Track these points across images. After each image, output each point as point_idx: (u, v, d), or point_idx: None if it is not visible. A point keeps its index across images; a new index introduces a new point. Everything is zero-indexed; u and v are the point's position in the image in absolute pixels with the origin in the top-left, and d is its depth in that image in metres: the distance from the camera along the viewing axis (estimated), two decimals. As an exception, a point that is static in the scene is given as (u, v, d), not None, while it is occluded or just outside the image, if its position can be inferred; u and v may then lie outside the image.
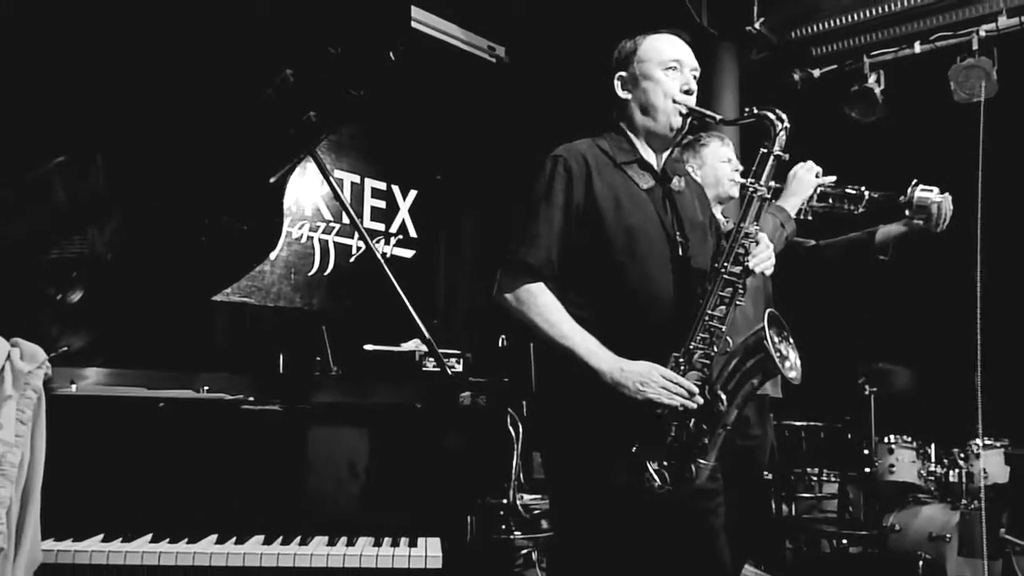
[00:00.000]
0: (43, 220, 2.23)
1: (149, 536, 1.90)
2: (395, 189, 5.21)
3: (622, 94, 1.96)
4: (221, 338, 4.27)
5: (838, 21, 4.99)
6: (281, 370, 3.61)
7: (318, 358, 3.37)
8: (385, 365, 3.58)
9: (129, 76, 3.53)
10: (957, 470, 3.93)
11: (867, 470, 4.17)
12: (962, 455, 3.95)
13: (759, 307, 2.62)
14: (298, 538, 1.93)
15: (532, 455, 3.70)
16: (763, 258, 1.84)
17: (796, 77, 5.12)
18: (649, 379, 1.72)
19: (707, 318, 1.78)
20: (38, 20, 3.36)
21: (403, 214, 5.23)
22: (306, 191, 4.71)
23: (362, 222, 4.74)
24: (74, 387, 2.30)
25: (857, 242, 2.67)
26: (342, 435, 2.08)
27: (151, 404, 2.09)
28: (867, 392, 4.17)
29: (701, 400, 1.75)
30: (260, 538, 1.93)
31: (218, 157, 2.35)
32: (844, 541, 4.32)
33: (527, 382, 3.37)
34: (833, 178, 2.52)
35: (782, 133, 1.87)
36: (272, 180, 2.37)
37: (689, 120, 1.90)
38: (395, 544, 1.94)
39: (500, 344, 4.03)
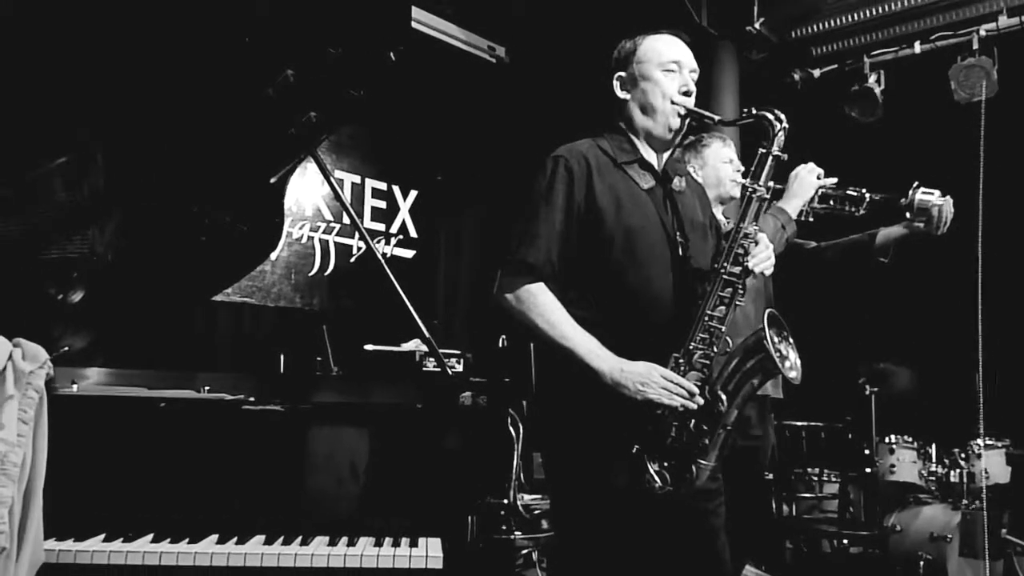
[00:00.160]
0: (44, 220, 2.23)
1: (150, 536, 1.90)
2: (395, 189, 5.21)
3: (621, 94, 1.96)
4: (222, 338, 4.27)
5: (838, 21, 4.99)
6: (282, 370, 3.61)
7: (319, 358, 3.38)
8: (385, 365, 3.59)
9: (130, 76, 3.53)
10: (958, 470, 3.93)
11: (868, 470, 4.18)
12: (963, 455, 3.95)
13: (760, 308, 2.62)
14: (299, 538, 1.93)
15: (532, 455, 3.70)
16: (762, 258, 1.84)
17: (796, 77, 5.12)
18: (649, 379, 1.72)
19: (707, 318, 1.78)
20: (39, 20, 3.36)
21: (403, 214, 5.24)
22: (307, 191, 4.72)
23: (362, 222, 4.73)
24: (75, 387, 2.30)
25: (858, 244, 2.68)
26: (343, 435, 2.08)
27: (152, 404, 2.09)
28: (868, 392, 4.17)
29: (701, 400, 1.75)
30: (261, 538, 1.93)
31: (219, 157, 2.35)
32: (845, 541, 4.31)
33: (527, 382, 3.37)
34: (834, 180, 2.52)
35: (781, 133, 1.87)
36: (273, 180, 2.37)
37: (688, 121, 1.91)
38: (396, 544, 1.94)
39: (500, 344, 4.03)
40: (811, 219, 2.55)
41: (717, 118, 1.91)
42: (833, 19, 4.98)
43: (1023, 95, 4.43)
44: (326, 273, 4.78)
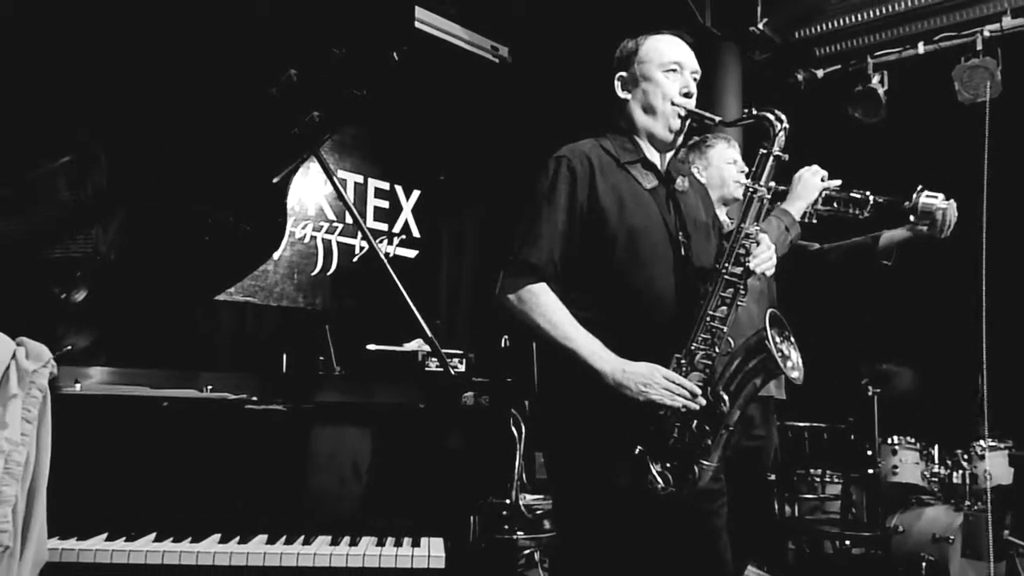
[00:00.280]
0: (48, 219, 2.23)
1: (153, 535, 1.91)
2: (398, 189, 5.21)
3: (622, 94, 1.96)
4: (224, 338, 4.28)
5: (841, 21, 4.98)
6: (284, 370, 3.61)
7: (321, 358, 3.38)
8: (388, 365, 3.59)
9: (133, 76, 3.53)
10: (961, 471, 3.93)
11: (870, 471, 4.17)
12: (966, 456, 3.94)
13: (764, 308, 2.61)
14: (301, 538, 1.94)
15: (535, 455, 3.70)
16: (764, 259, 1.84)
17: (799, 77, 5.11)
18: (651, 380, 1.72)
19: (709, 319, 1.78)
20: (43, 19, 3.37)
21: (406, 214, 5.24)
22: (309, 191, 4.72)
23: (365, 222, 4.73)
24: (78, 386, 2.30)
25: (861, 246, 2.68)
26: (345, 435, 2.08)
27: (155, 403, 2.10)
28: (870, 393, 4.16)
29: (703, 401, 1.75)
30: (263, 537, 1.93)
31: (222, 157, 2.36)
32: (847, 542, 4.31)
33: (530, 382, 3.37)
34: (838, 182, 2.52)
35: (781, 134, 1.87)
36: (275, 180, 2.37)
37: (688, 122, 1.91)
38: (398, 544, 1.94)
39: (503, 344, 4.03)
40: (815, 221, 2.55)
41: (718, 119, 1.91)
42: (836, 20, 4.97)
43: (1027, 95, 4.43)
44: (329, 273, 4.78)
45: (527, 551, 3.48)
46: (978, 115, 3.57)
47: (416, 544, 1.94)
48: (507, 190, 4.70)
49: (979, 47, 4.54)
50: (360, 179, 5.01)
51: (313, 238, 4.73)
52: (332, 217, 4.81)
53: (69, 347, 2.12)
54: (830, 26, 5.02)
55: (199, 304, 3.57)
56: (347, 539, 1.95)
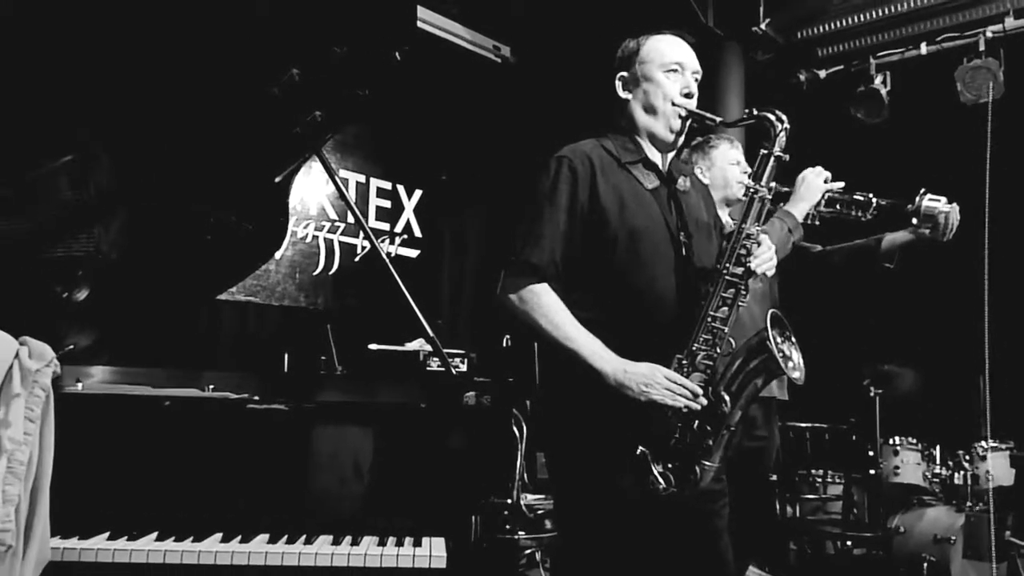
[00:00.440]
0: (49, 218, 2.23)
1: (154, 534, 1.91)
2: (400, 189, 5.21)
3: (623, 94, 1.96)
4: (226, 337, 4.28)
5: (844, 22, 4.98)
6: (286, 369, 3.62)
7: (323, 357, 3.38)
8: (389, 364, 3.59)
9: (135, 75, 3.54)
10: (962, 472, 3.93)
11: (872, 472, 4.16)
12: (967, 457, 3.94)
13: (766, 309, 2.61)
14: (303, 537, 1.94)
15: (536, 455, 3.70)
16: (764, 259, 1.84)
17: (802, 78, 5.11)
18: (653, 380, 1.72)
19: (710, 319, 1.78)
20: (45, 19, 3.37)
21: (408, 214, 5.24)
22: (311, 190, 4.72)
23: (367, 221, 4.74)
24: (80, 385, 2.31)
25: (863, 249, 2.68)
26: (347, 434, 2.09)
27: (157, 403, 2.10)
28: (872, 394, 4.16)
29: (705, 401, 1.75)
30: (265, 537, 1.93)
31: (224, 156, 2.36)
32: (848, 543, 4.31)
33: (531, 382, 3.37)
34: (841, 184, 2.52)
35: (782, 134, 1.87)
36: (277, 179, 2.37)
37: (689, 122, 1.91)
38: (400, 544, 1.94)
39: (504, 344, 4.03)
40: (817, 222, 2.55)
41: (718, 119, 1.91)
42: (839, 20, 4.97)
43: (1029, 96, 4.42)
44: (330, 272, 4.79)
45: (528, 551, 3.48)
46: (980, 116, 3.57)
47: (417, 544, 1.94)
48: (509, 190, 4.71)
49: (981, 48, 4.54)
50: (362, 178, 5.01)
51: (315, 237, 4.73)
52: (334, 216, 4.82)
53: (71, 346, 2.12)
54: (833, 26, 5.02)
55: (201, 303, 3.58)
56: (348, 539, 1.95)
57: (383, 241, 5.04)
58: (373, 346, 3.63)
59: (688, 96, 1.91)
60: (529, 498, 3.47)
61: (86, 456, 1.93)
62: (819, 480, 4.70)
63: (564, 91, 4.90)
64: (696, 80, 1.94)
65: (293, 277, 4.61)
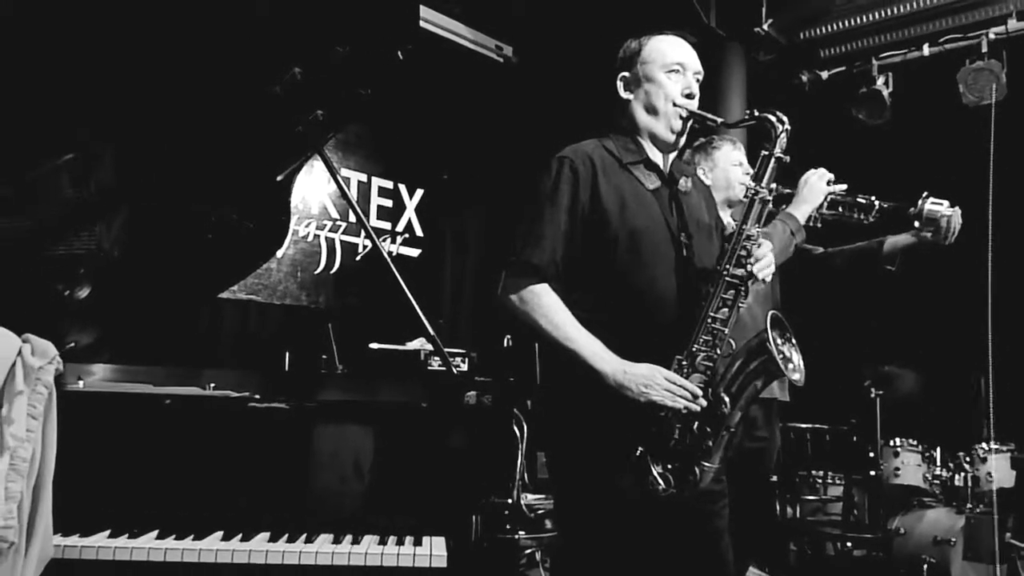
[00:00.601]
0: (51, 216, 2.24)
1: (155, 532, 1.91)
2: (402, 188, 5.22)
3: (625, 95, 1.96)
4: (227, 335, 4.28)
5: (847, 23, 4.97)
6: (287, 368, 3.62)
7: (324, 356, 3.38)
8: (390, 364, 3.59)
9: (138, 74, 3.54)
10: (963, 474, 3.92)
11: (872, 473, 4.16)
12: (968, 459, 3.94)
13: (767, 310, 2.62)
14: (303, 536, 1.94)
15: (536, 455, 3.70)
16: (763, 265, 1.83)
17: (804, 78, 5.11)
18: (652, 381, 1.72)
19: (710, 320, 1.78)
20: (48, 17, 3.38)
21: (409, 213, 5.24)
22: (313, 189, 4.73)
23: (368, 221, 4.75)
24: (81, 383, 2.31)
25: (865, 251, 2.68)
26: (348, 433, 2.09)
27: (158, 401, 2.10)
28: (873, 395, 4.16)
29: (704, 402, 1.75)
30: (266, 535, 1.94)
31: (226, 154, 2.36)
32: (848, 544, 4.31)
33: (532, 382, 3.38)
34: (844, 186, 2.52)
35: (783, 135, 1.87)
36: (279, 178, 2.38)
37: (690, 123, 1.91)
38: (400, 543, 1.94)
39: (505, 343, 4.04)
40: (819, 224, 2.55)
41: (719, 120, 1.91)
42: (842, 21, 4.96)
43: (1032, 98, 4.42)
44: (332, 271, 4.79)
45: (528, 551, 3.48)
46: (983, 117, 3.56)
47: (418, 543, 1.94)
48: (510, 190, 4.70)
49: (984, 49, 4.53)
50: (364, 178, 5.01)
51: (316, 236, 4.73)
52: (335, 215, 4.82)
53: (72, 344, 2.13)
54: (835, 27, 5.01)
55: (202, 302, 3.58)
56: (349, 537, 1.95)
57: (384, 240, 5.04)
58: (374, 345, 3.64)
59: (689, 97, 1.91)
60: (529, 498, 3.47)
61: (87, 454, 1.93)
62: (819, 481, 4.70)
63: (566, 91, 4.90)
64: (698, 81, 1.94)
65: (294, 276, 4.62)
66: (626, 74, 1.96)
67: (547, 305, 1.78)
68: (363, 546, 1.91)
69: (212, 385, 2.45)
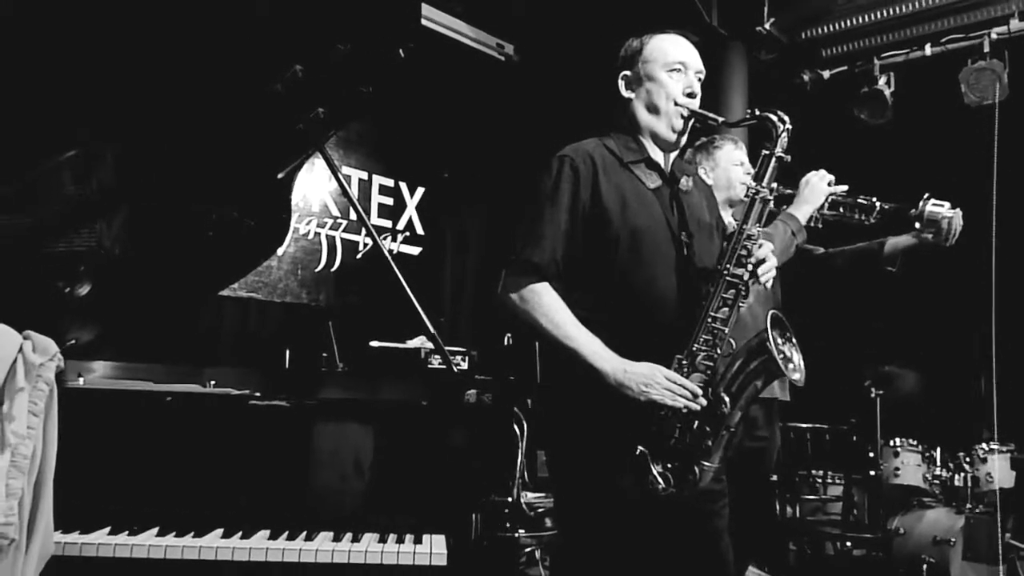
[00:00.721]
0: (52, 213, 2.23)
1: (156, 529, 1.91)
2: (403, 186, 5.21)
3: (626, 93, 1.96)
4: (227, 333, 4.28)
5: (849, 22, 4.97)
6: (287, 366, 3.62)
7: (324, 354, 3.38)
8: (391, 362, 3.59)
9: (138, 72, 3.54)
10: (962, 474, 3.92)
11: (872, 473, 4.16)
12: (968, 459, 3.94)
13: (767, 309, 2.62)
14: (304, 533, 1.94)
15: (536, 453, 3.70)
16: (765, 268, 1.83)
17: (805, 78, 5.10)
18: (652, 380, 1.72)
19: (710, 320, 1.78)
20: (47, 16, 3.37)
21: (410, 211, 5.24)
22: (314, 187, 4.72)
23: (369, 219, 4.74)
24: (82, 380, 2.31)
25: (866, 252, 2.68)
26: (348, 431, 2.09)
27: (158, 398, 2.10)
28: (873, 395, 4.16)
29: (704, 402, 1.75)
30: (266, 533, 1.94)
31: (226, 152, 2.36)
32: (848, 544, 4.31)
33: (532, 380, 3.38)
34: (845, 187, 2.52)
35: (784, 135, 1.87)
36: (280, 176, 2.38)
37: (692, 122, 1.91)
38: (400, 541, 1.94)
39: (505, 342, 4.04)
40: (820, 225, 2.55)
41: (721, 120, 1.91)
42: (844, 20, 4.95)
43: (1034, 98, 4.41)
44: (332, 269, 4.79)
45: (528, 549, 3.48)
46: (985, 117, 3.56)
47: (418, 541, 1.94)
48: (511, 188, 4.70)
49: (986, 49, 4.53)
50: (365, 176, 5.01)
51: (317, 234, 4.73)
52: (336, 213, 4.82)
53: (73, 341, 2.12)
54: (837, 27, 5.00)
55: (203, 300, 3.58)
56: (349, 535, 1.95)
57: (385, 238, 5.04)
58: (374, 343, 3.64)
59: (691, 96, 1.91)
60: (529, 496, 3.48)
61: (87, 451, 1.93)
62: (819, 481, 4.70)
63: (567, 90, 4.90)
64: (699, 80, 1.94)
65: (295, 274, 4.62)
66: (627, 73, 1.96)
67: (547, 304, 1.78)
68: (363, 544, 1.91)
69: (212, 383, 2.45)
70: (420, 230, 5.27)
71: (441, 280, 5.33)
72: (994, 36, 4.53)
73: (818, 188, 2.48)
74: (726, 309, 1.79)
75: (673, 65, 1.91)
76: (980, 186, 3.13)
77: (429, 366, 3.53)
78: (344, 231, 4.85)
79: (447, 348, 2.75)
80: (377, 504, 2.03)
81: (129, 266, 2.32)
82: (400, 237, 5.15)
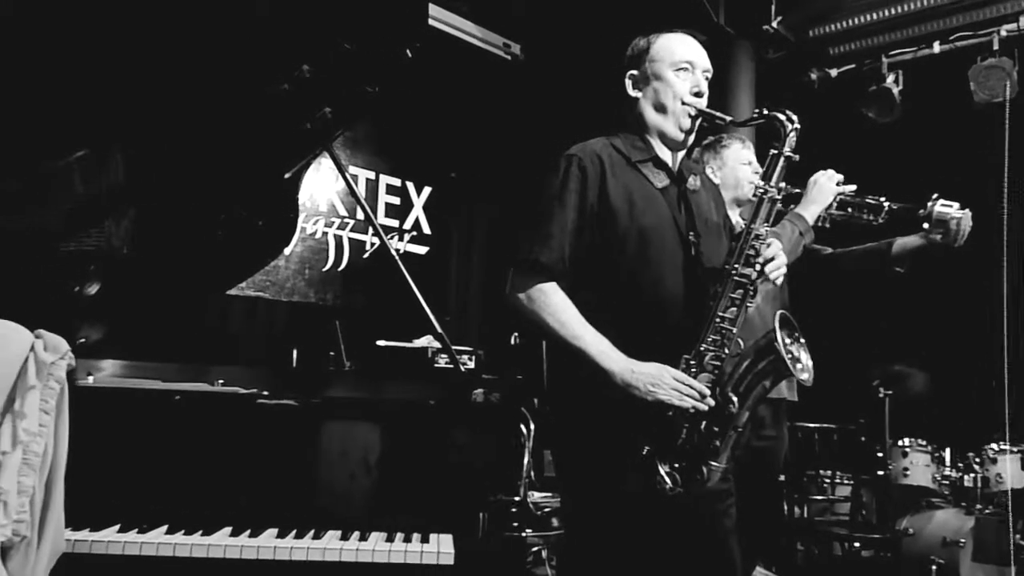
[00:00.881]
0: (62, 212, 2.25)
1: (164, 528, 1.92)
2: (409, 186, 5.22)
3: (633, 93, 1.96)
4: (235, 332, 4.30)
5: (856, 20, 4.95)
6: (294, 365, 3.63)
7: (331, 353, 3.39)
8: (398, 361, 3.60)
9: (146, 72, 3.55)
10: (972, 475, 3.90)
11: (881, 473, 4.14)
12: (977, 459, 3.92)
13: (775, 309, 2.61)
14: (311, 532, 1.95)
15: (543, 453, 3.70)
16: (775, 266, 1.83)
17: (813, 76, 5.09)
18: (660, 380, 1.72)
19: (718, 320, 1.78)
20: (58, 16, 3.39)
21: (417, 211, 5.25)
22: (321, 187, 4.74)
23: (376, 218, 4.75)
24: (91, 378, 2.32)
25: (874, 252, 2.67)
26: (355, 430, 2.09)
27: (167, 396, 2.11)
28: (882, 395, 4.14)
29: (712, 402, 1.75)
30: (274, 531, 1.94)
31: (234, 152, 2.37)
32: (856, 544, 4.29)
33: (539, 380, 3.38)
34: (853, 187, 2.50)
35: (792, 134, 1.86)
36: (287, 175, 2.38)
37: (699, 121, 1.90)
38: (407, 540, 1.94)
39: (512, 341, 4.04)
40: (827, 225, 2.53)
41: (729, 119, 1.90)
42: (851, 18, 4.93)
43: (1044, 96, 4.38)
44: (339, 269, 4.80)
45: (535, 548, 3.48)
46: (994, 116, 3.54)
47: (425, 540, 1.94)
48: (518, 188, 4.70)
49: (996, 47, 4.50)
50: (372, 175, 5.02)
51: (324, 234, 4.75)
52: (343, 213, 4.83)
53: (82, 340, 2.14)
54: (845, 25, 4.98)
55: (211, 299, 3.59)
56: (356, 534, 1.95)
57: (392, 238, 5.05)
58: (381, 342, 3.64)
59: (698, 95, 1.90)
60: (536, 496, 3.48)
61: (97, 449, 1.94)
62: (827, 481, 4.68)
63: (574, 89, 4.89)
64: (707, 79, 1.93)
65: (302, 273, 4.63)
66: (635, 72, 1.96)
67: (555, 304, 1.78)
68: (370, 543, 1.91)
69: (220, 381, 2.46)
70: (427, 229, 5.28)
71: (448, 279, 5.34)
72: (1004, 33, 4.51)
73: (826, 188, 2.47)
74: (734, 309, 1.79)
75: (680, 64, 1.90)
76: (990, 186, 3.11)
77: (436, 365, 3.54)
78: (351, 231, 4.86)
79: (454, 347, 2.75)
80: (384, 503, 2.03)
81: (138, 265, 2.33)
82: (407, 237, 5.16)
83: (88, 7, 3.46)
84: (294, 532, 1.94)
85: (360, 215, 4.81)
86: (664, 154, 1.94)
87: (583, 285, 1.83)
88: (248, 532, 1.92)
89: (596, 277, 1.83)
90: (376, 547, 1.89)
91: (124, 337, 2.42)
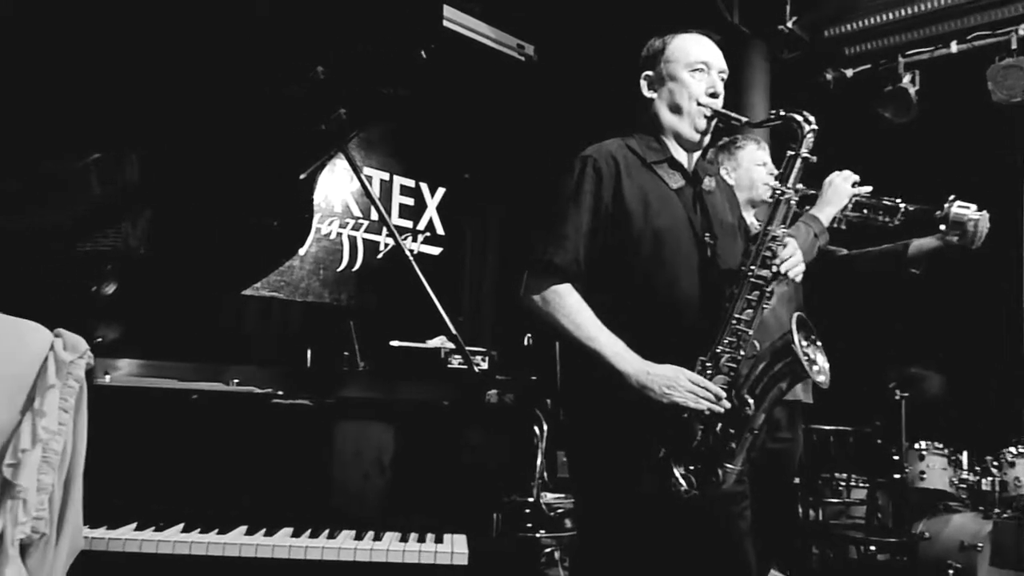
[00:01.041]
0: (79, 213, 2.27)
1: (180, 526, 1.93)
2: (423, 187, 5.24)
3: (648, 93, 1.95)
4: (250, 332, 4.33)
5: (872, 20, 4.91)
6: (309, 365, 3.65)
7: (346, 353, 3.41)
8: (411, 361, 3.61)
9: (161, 73, 3.58)
10: (990, 478, 3.86)
11: (897, 476, 4.11)
12: (995, 463, 3.87)
13: (790, 311, 2.59)
14: (326, 531, 1.95)
15: (557, 454, 3.70)
16: (793, 263, 1.82)
17: (828, 77, 5.06)
18: (676, 382, 1.71)
19: (734, 322, 1.77)
20: (74, 16, 3.43)
21: (431, 211, 5.26)
22: (336, 187, 4.76)
23: (390, 219, 4.76)
24: (108, 377, 2.34)
25: (890, 254, 2.64)
26: (370, 430, 2.10)
27: (183, 396, 2.13)
28: (898, 397, 4.11)
29: (728, 404, 1.74)
30: (289, 531, 1.95)
31: (249, 153, 2.38)
32: (872, 548, 4.25)
33: (553, 381, 3.37)
34: (869, 188, 2.48)
35: (810, 135, 1.85)
36: (302, 176, 2.39)
37: (715, 122, 1.89)
38: (421, 540, 1.95)
39: (526, 342, 4.04)
40: (843, 226, 2.52)
41: (744, 119, 1.89)
42: (867, 18, 4.90)
43: (1063, 96, 4.33)
44: (354, 269, 4.82)
45: (548, 549, 3.48)
46: (1013, 116, 3.50)
47: (439, 540, 1.95)
48: (532, 189, 4.70)
49: (1014, 46, 4.46)
50: (386, 176, 5.04)
51: (339, 234, 4.77)
52: (358, 214, 4.85)
53: (99, 339, 2.16)
54: (860, 24, 4.95)
55: (226, 298, 3.62)
56: (371, 534, 1.96)
57: (406, 238, 5.06)
58: (395, 343, 3.66)
59: (714, 95, 1.90)
60: (549, 497, 3.47)
61: (113, 448, 1.96)
62: (843, 484, 4.64)
63: (588, 90, 4.89)
64: (722, 79, 1.92)
65: (317, 273, 4.65)
66: (650, 73, 1.95)
67: (570, 305, 1.78)
68: (385, 543, 1.92)
69: (236, 381, 2.47)
70: (440, 230, 5.29)
71: (461, 280, 5.35)
72: (1022, 33, 4.46)
73: (842, 189, 2.45)
74: (750, 311, 1.78)
75: (696, 65, 1.90)
76: (1007, 187, 3.08)
77: (449, 366, 3.54)
78: (365, 231, 4.88)
79: (468, 348, 2.75)
80: (398, 503, 2.04)
81: (154, 265, 2.35)
82: (421, 237, 5.18)
83: (103, 8, 3.49)
84: (309, 531, 1.95)
85: (374, 216, 4.83)
86: (679, 155, 1.93)
87: (598, 287, 1.82)
88: (263, 531, 1.93)
89: (611, 278, 1.82)
90: (390, 547, 1.89)
91: (141, 336, 2.44)
